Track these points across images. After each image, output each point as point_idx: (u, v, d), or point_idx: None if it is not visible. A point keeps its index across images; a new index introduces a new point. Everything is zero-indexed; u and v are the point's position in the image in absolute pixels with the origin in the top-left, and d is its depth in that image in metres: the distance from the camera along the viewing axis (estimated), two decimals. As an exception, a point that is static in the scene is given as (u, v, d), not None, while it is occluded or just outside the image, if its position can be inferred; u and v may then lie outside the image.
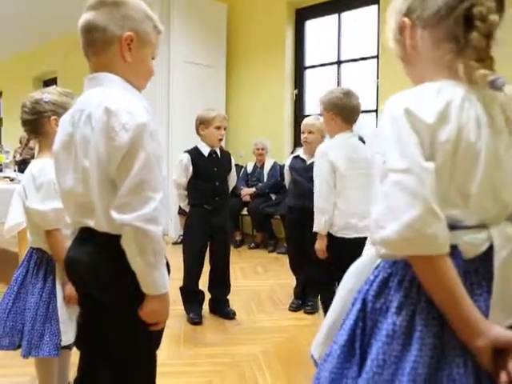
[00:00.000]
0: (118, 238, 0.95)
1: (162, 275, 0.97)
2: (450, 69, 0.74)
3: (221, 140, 2.67)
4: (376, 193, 0.72)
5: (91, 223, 0.99)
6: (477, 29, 0.70)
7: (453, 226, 0.71)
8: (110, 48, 1.01)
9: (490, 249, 0.72)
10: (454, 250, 0.71)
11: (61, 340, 1.46)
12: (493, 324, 0.69)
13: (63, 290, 1.49)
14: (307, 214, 2.26)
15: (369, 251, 0.85)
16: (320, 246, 2.09)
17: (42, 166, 1.47)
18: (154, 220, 0.93)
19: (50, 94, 1.51)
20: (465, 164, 0.70)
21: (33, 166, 1.51)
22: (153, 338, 1.06)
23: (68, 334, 1.47)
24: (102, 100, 0.95)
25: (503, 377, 0.66)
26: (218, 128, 2.60)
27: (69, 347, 1.50)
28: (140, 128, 0.93)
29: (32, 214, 1.47)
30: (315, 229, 2.09)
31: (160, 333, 1.08)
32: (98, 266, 0.98)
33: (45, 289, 1.50)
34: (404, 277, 0.74)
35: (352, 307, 0.81)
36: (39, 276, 1.52)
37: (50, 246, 1.49)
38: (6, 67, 9.48)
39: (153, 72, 1.11)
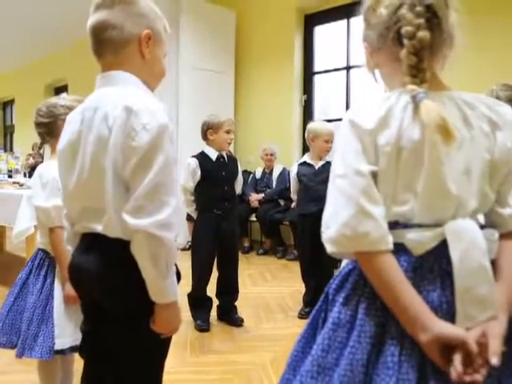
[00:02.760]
0: (127, 243, 0.91)
1: (172, 283, 0.93)
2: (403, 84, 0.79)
3: (229, 144, 2.70)
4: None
5: (99, 228, 0.94)
6: (405, 47, 0.76)
7: (405, 225, 0.76)
8: (127, 46, 0.99)
9: (444, 245, 0.73)
10: (402, 247, 0.75)
11: (54, 343, 1.43)
12: (438, 319, 0.70)
13: (62, 290, 1.47)
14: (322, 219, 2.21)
15: None
16: None
17: (49, 165, 1.53)
18: (169, 226, 0.89)
19: (64, 100, 1.58)
20: (408, 163, 0.74)
21: (40, 167, 1.57)
22: (163, 347, 1.03)
23: (63, 339, 1.44)
24: (120, 99, 0.92)
25: (453, 374, 0.68)
26: (228, 132, 2.64)
27: (63, 352, 1.46)
28: (161, 129, 0.90)
29: (37, 211, 1.50)
30: None
31: (168, 342, 1.04)
32: (107, 273, 0.94)
33: (43, 289, 1.49)
34: (360, 271, 0.78)
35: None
36: (40, 276, 1.52)
37: (51, 244, 1.48)
38: (18, 75, 9.62)
39: (165, 72, 1.09)
